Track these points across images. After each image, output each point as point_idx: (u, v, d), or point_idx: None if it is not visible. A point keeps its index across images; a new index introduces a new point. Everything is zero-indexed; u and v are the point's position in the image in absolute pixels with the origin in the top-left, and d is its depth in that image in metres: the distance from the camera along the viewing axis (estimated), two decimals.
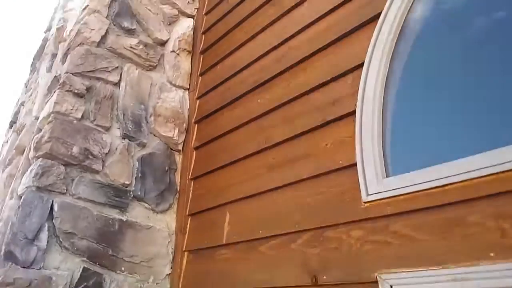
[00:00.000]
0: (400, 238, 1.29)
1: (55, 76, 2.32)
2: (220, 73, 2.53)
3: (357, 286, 1.35)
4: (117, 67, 2.37)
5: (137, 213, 2.16)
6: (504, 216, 1.11)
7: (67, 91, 2.11)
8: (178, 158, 2.50)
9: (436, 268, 1.17)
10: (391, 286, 1.24)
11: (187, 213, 2.27)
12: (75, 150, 1.99)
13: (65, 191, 1.92)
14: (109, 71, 2.32)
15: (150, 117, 2.40)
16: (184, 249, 2.18)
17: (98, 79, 2.27)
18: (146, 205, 2.21)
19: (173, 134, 2.45)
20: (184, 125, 2.55)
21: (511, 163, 1.12)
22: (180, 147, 2.50)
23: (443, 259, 1.17)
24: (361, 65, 1.63)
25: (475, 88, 1.41)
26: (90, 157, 2.04)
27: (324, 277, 1.44)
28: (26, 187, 1.86)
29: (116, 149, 2.18)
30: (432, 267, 1.18)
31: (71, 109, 2.08)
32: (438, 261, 1.18)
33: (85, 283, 1.83)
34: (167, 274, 2.16)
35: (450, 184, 1.22)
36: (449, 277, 1.14)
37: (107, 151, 2.12)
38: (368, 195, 1.41)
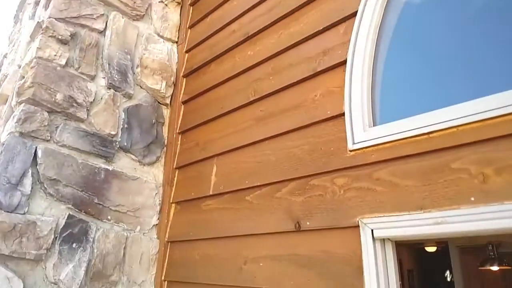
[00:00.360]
0: (383, 185, 1.30)
1: (38, 22, 2.22)
2: (209, 25, 2.45)
3: (338, 231, 1.37)
4: (103, 14, 2.27)
5: (124, 164, 2.15)
6: (486, 162, 1.12)
7: (50, 36, 2.03)
8: (166, 112, 2.46)
9: (417, 212, 1.19)
10: (372, 230, 1.27)
11: (174, 166, 2.27)
12: (59, 97, 1.94)
13: (49, 138, 1.89)
14: (94, 19, 2.23)
15: (136, 68, 2.34)
16: (171, 201, 2.20)
17: (83, 26, 2.19)
18: (132, 156, 2.19)
19: (161, 87, 2.40)
20: (172, 78, 2.49)
21: (495, 110, 1.13)
22: (167, 101, 2.46)
23: (424, 204, 1.19)
24: (354, 15, 1.60)
25: (462, 39, 1.39)
26: (75, 105, 1.99)
27: (307, 223, 1.46)
28: (9, 133, 1.82)
29: (101, 98, 2.13)
30: (413, 212, 1.20)
31: (55, 55, 2.01)
32: (420, 205, 1.20)
33: (71, 230, 1.83)
34: (154, 225, 2.18)
35: (435, 131, 1.23)
36: (429, 220, 1.16)
37: (92, 100, 2.07)
38: (354, 143, 1.41)
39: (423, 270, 11.82)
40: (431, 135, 1.24)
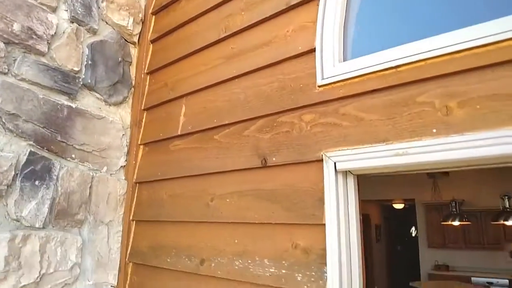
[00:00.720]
0: (349, 119, 1.30)
1: None
2: None
3: (303, 166, 1.38)
4: None
5: (88, 102, 2.06)
6: (451, 95, 1.13)
7: None
8: (134, 51, 2.36)
9: (379, 145, 1.20)
10: (335, 163, 1.28)
11: (142, 108, 2.20)
12: (16, 27, 1.81)
13: (7, 71, 1.77)
14: None
15: (101, 2, 2.19)
16: (139, 143, 2.15)
17: None
18: (97, 95, 2.10)
19: (127, 24, 2.27)
20: (140, 15, 2.36)
21: (462, 44, 1.12)
22: (135, 39, 2.34)
23: (388, 137, 1.20)
24: None
25: None
26: (34, 37, 1.86)
27: (273, 159, 1.46)
28: None
29: (64, 32, 2.00)
30: (376, 144, 1.21)
31: None
32: (383, 138, 1.21)
33: (32, 167, 1.78)
34: (122, 166, 2.14)
35: (403, 65, 1.22)
36: (391, 152, 1.17)
37: (53, 33, 1.94)
38: (323, 79, 1.39)
39: (390, 226, 12.42)
40: (398, 69, 1.23)
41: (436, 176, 8.48)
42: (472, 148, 1.04)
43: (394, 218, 12.26)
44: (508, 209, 6.43)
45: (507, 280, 7.41)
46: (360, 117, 1.28)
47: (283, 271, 1.33)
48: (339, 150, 1.28)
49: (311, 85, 1.43)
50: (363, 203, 9.83)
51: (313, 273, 1.25)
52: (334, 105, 1.35)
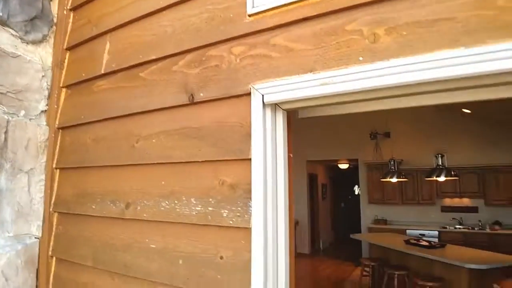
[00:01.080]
0: (279, 50, 1.24)
1: None
2: None
3: (231, 101, 1.31)
4: None
5: (1, 38, 1.82)
6: (379, 22, 1.09)
7: None
8: None
9: (306, 75, 1.15)
10: (263, 96, 1.22)
11: (65, 47, 1.99)
12: None
13: None
14: None
15: None
16: (61, 85, 1.96)
17: None
18: (11, 31, 1.86)
19: None
20: None
21: None
22: None
23: (315, 66, 1.15)
24: None
25: None
26: None
27: (201, 95, 1.38)
28: None
29: None
30: (303, 74, 1.16)
31: None
32: (310, 68, 1.16)
33: None
34: (42, 111, 1.95)
35: None
36: (318, 81, 1.13)
37: None
38: (253, 7, 1.30)
39: (335, 185, 12.99)
40: None
41: (378, 138, 8.88)
42: (395, 74, 1.02)
43: (339, 178, 12.80)
44: (440, 166, 6.88)
45: (437, 232, 8.09)
46: (290, 47, 1.22)
47: (210, 208, 1.29)
48: (266, 82, 1.22)
49: (242, 15, 1.34)
50: (312, 164, 10.15)
51: (239, 208, 1.22)
52: (264, 36, 1.28)
